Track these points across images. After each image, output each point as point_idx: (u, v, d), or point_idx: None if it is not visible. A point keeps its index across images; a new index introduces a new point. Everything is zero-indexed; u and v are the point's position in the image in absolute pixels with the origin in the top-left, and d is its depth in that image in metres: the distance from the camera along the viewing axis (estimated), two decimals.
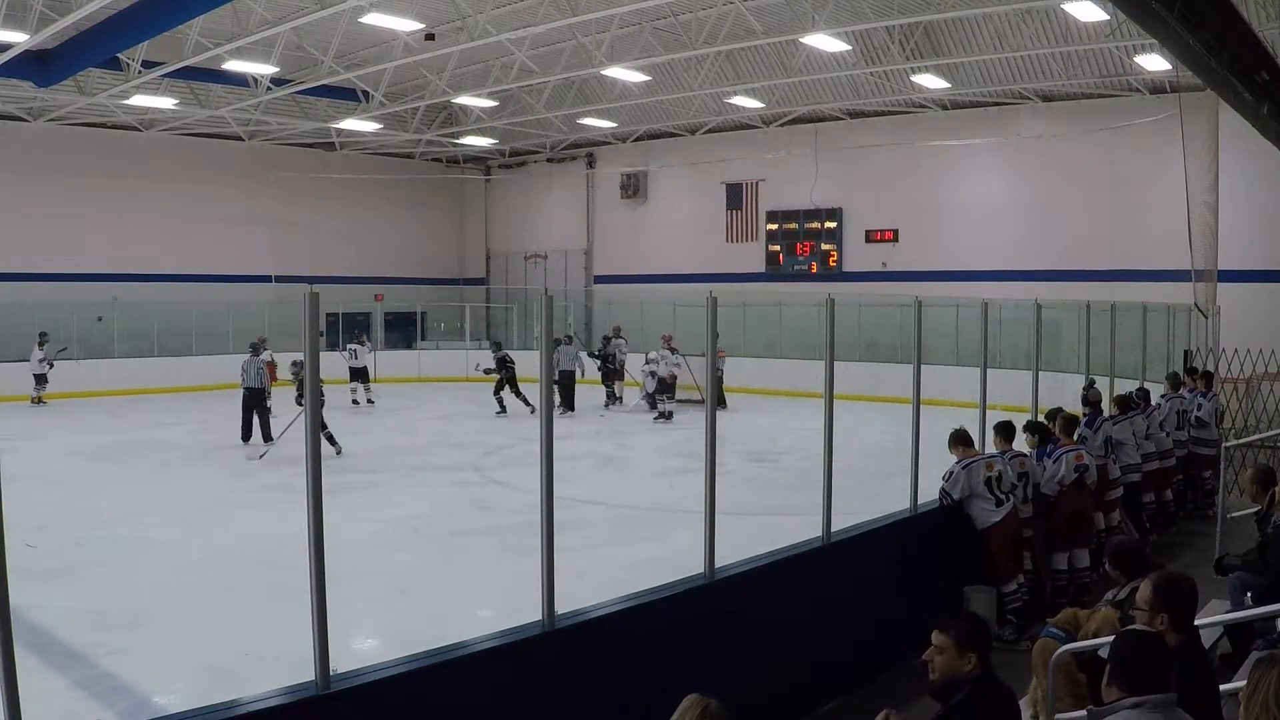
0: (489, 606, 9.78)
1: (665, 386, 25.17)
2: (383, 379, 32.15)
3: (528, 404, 24.39)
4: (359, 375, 28.20)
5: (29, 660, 4.76)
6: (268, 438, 20.14)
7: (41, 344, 27.25)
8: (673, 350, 25.71)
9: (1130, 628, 4.83)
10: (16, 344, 27.56)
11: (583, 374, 26.82)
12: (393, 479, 17.39)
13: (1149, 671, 3.94)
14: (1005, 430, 10.04)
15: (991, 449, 10.01)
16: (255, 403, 20.75)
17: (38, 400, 26.93)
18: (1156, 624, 4.79)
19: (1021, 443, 10.43)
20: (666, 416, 24.67)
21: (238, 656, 8.54)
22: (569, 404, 25.56)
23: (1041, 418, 11.35)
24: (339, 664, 4.84)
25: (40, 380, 27.03)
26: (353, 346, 28.46)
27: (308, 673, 4.74)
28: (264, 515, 13.62)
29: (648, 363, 26.37)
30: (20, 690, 3.91)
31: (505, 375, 25.33)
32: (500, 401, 25.29)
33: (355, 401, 27.79)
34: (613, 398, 27.52)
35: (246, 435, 20.64)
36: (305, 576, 4.71)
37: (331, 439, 18.27)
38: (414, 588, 11.09)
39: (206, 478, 17.30)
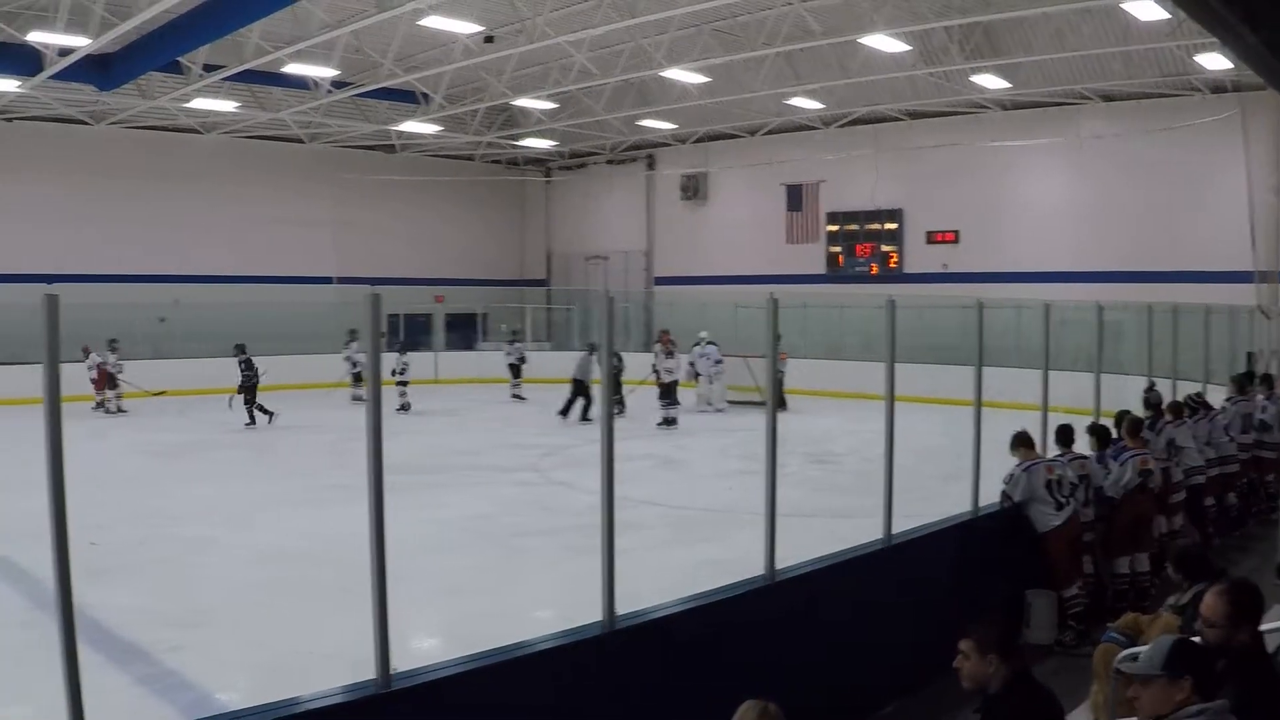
0: (549, 607, 9.82)
1: (667, 391, 24.77)
2: (443, 380, 32.60)
3: (261, 414, 23.78)
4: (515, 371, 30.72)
5: (91, 656, 4.80)
6: (585, 419, 23.99)
7: (349, 342, 28.20)
8: (670, 353, 25.35)
9: (1179, 636, 4.76)
10: (79, 346, 27.96)
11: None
12: (453, 480, 17.50)
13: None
14: (1065, 433, 9.95)
15: (1053, 451, 9.91)
16: (581, 392, 24.39)
17: (358, 398, 27.53)
18: (1239, 638, 4.70)
19: (1082, 445, 10.32)
20: (669, 423, 24.18)
21: (298, 654, 8.63)
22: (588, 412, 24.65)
23: (1109, 420, 11.23)
24: (399, 663, 4.87)
25: (358, 379, 28.02)
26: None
27: (368, 671, 4.79)
28: (325, 514, 13.73)
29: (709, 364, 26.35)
30: (82, 685, 3.99)
31: (245, 383, 24.14)
32: (250, 413, 23.84)
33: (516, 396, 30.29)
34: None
35: (565, 413, 24.56)
36: (366, 575, 4.75)
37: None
38: (474, 587, 11.18)
39: (268, 477, 17.52)
